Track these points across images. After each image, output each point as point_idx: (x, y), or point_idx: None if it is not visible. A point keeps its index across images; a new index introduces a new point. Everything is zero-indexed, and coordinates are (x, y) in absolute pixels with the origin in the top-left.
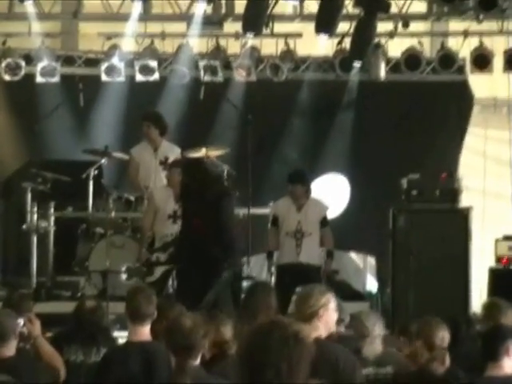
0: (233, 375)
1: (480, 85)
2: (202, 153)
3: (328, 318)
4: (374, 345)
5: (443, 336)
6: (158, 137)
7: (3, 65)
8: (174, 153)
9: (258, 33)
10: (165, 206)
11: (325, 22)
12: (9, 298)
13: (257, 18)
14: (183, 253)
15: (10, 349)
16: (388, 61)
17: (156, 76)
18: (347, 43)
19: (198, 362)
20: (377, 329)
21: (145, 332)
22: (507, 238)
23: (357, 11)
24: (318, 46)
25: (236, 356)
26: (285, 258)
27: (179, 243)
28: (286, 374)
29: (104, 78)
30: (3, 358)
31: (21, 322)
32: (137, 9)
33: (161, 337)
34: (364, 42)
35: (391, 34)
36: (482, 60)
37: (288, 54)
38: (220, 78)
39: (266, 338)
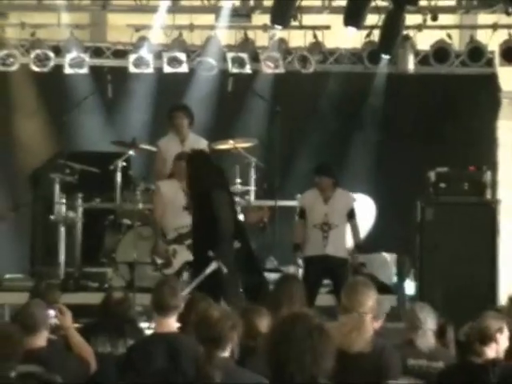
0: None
1: (509, 78)
2: (229, 145)
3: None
4: (427, 337)
5: None
6: (187, 128)
7: (32, 56)
8: (200, 145)
9: (286, 25)
10: (174, 198)
11: (353, 14)
12: (36, 288)
13: (285, 11)
14: None
15: (41, 340)
16: (417, 54)
17: (184, 68)
18: (375, 36)
19: (227, 353)
20: (429, 321)
21: (170, 324)
22: None
23: (385, 4)
24: (346, 38)
25: (263, 347)
26: (311, 250)
27: None
28: (310, 365)
29: (132, 69)
30: (34, 348)
31: (52, 312)
32: (165, 1)
33: (190, 328)
34: (392, 35)
35: (420, 27)
36: (510, 53)
37: (316, 46)
38: (248, 69)
39: (290, 330)
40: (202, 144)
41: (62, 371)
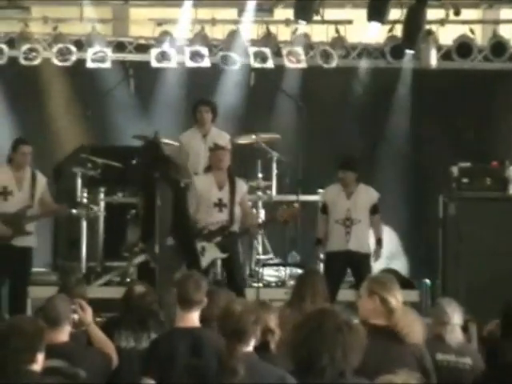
0: (277, 362)
1: None
2: (251, 139)
3: None
4: (456, 333)
5: None
6: (210, 123)
7: (54, 50)
8: (223, 139)
9: (309, 20)
10: (208, 194)
11: (377, 9)
12: (64, 282)
13: (308, 6)
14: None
15: (64, 334)
16: (439, 48)
17: (206, 62)
18: (398, 30)
19: (250, 347)
20: (456, 317)
21: (193, 318)
22: None
23: None
24: (368, 33)
25: (286, 343)
26: (334, 245)
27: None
28: (340, 359)
29: (154, 64)
30: (57, 343)
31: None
32: None
33: (212, 323)
34: (415, 30)
35: (442, 22)
36: None
37: (338, 40)
38: (270, 64)
39: (320, 325)
40: (225, 138)
41: (85, 366)
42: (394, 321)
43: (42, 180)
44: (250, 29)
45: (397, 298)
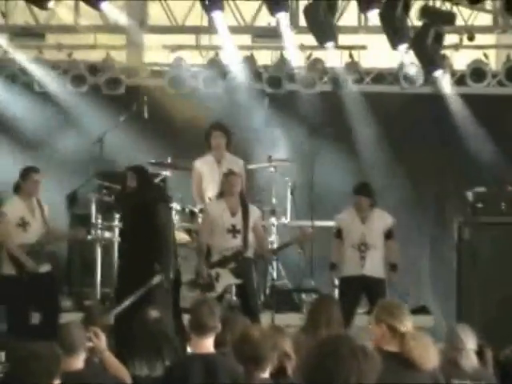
0: None
1: None
2: (265, 165)
3: None
4: (470, 358)
5: None
6: (224, 148)
7: (69, 76)
8: (237, 165)
9: (335, 40)
10: (221, 220)
11: (399, 35)
12: (89, 311)
13: (328, 28)
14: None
15: (79, 361)
16: (453, 73)
17: (220, 87)
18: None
19: (267, 374)
20: (471, 342)
21: (208, 344)
22: None
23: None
24: (382, 57)
25: (301, 368)
26: (349, 270)
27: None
28: None
29: (168, 89)
30: (72, 370)
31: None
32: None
33: (226, 348)
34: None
35: (456, 47)
36: None
37: (352, 65)
38: (284, 89)
39: (336, 351)
40: (239, 164)
41: None
42: (406, 347)
43: (45, 206)
44: (263, 54)
45: (404, 323)
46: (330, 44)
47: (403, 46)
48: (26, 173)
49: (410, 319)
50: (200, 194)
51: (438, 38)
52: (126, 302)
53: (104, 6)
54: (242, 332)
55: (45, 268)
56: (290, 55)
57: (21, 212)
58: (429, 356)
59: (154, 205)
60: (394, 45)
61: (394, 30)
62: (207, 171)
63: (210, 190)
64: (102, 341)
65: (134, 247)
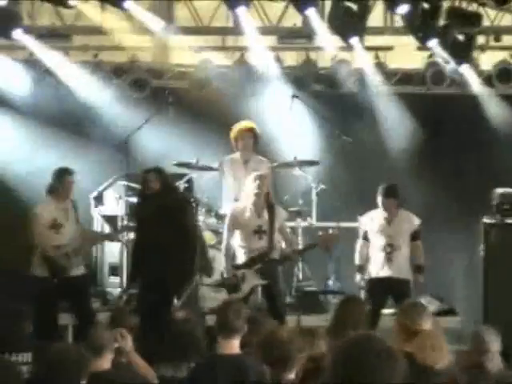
0: None
1: None
2: (291, 166)
3: None
4: (496, 361)
5: None
6: (251, 149)
7: (95, 78)
8: (263, 166)
9: (362, 36)
10: (247, 221)
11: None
12: (117, 312)
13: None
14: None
15: (106, 362)
16: (479, 74)
17: (246, 88)
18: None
19: (292, 375)
20: (496, 344)
21: (234, 345)
22: None
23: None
24: (408, 58)
25: (327, 369)
26: (375, 271)
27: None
28: None
29: (194, 90)
30: (99, 371)
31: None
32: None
33: (253, 349)
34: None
35: (483, 48)
36: None
37: (379, 66)
38: (310, 90)
39: (359, 352)
40: (265, 165)
41: None
42: (416, 346)
43: (78, 208)
44: (289, 55)
45: (417, 323)
46: (354, 40)
47: (432, 41)
48: (60, 175)
49: (427, 320)
50: (227, 194)
51: (468, 37)
52: (176, 303)
53: (128, 5)
54: (270, 333)
55: (79, 270)
56: (316, 56)
57: (53, 214)
58: (438, 356)
59: (180, 206)
60: (422, 40)
61: (422, 24)
62: (234, 171)
63: (237, 190)
64: (128, 342)
65: (158, 249)
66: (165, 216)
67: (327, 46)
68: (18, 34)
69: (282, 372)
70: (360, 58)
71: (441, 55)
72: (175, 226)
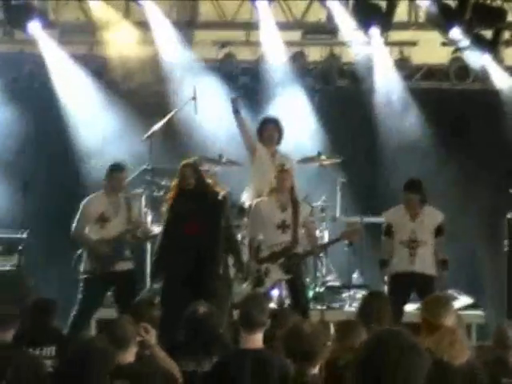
0: None
1: None
2: (315, 161)
3: None
4: None
5: None
6: (275, 143)
7: (117, 72)
8: (288, 161)
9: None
10: (271, 216)
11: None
12: (137, 305)
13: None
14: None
15: (130, 355)
16: (504, 69)
17: (272, 83)
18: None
19: (316, 370)
20: None
21: (257, 340)
22: None
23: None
24: (432, 54)
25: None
26: (398, 267)
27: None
28: (401, 381)
29: (217, 85)
30: (123, 364)
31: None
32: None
33: (276, 343)
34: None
35: (507, 43)
36: None
37: (403, 61)
38: (334, 85)
39: (382, 347)
40: (290, 160)
41: None
42: (434, 341)
43: (136, 205)
44: (313, 50)
45: (437, 318)
46: (374, 30)
47: (455, 31)
48: (109, 170)
49: (450, 315)
50: (260, 178)
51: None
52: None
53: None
54: (294, 327)
55: (125, 265)
56: (340, 51)
57: (102, 207)
58: (457, 352)
59: (219, 205)
60: (446, 30)
61: (446, 13)
62: (264, 161)
63: (264, 182)
64: (152, 335)
65: (192, 245)
66: (204, 213)
67: (352, 41)
68: (33, 28)
69: (305, 366)
70: (384, 52)
71: (466, 50)
72: (213, 224)
